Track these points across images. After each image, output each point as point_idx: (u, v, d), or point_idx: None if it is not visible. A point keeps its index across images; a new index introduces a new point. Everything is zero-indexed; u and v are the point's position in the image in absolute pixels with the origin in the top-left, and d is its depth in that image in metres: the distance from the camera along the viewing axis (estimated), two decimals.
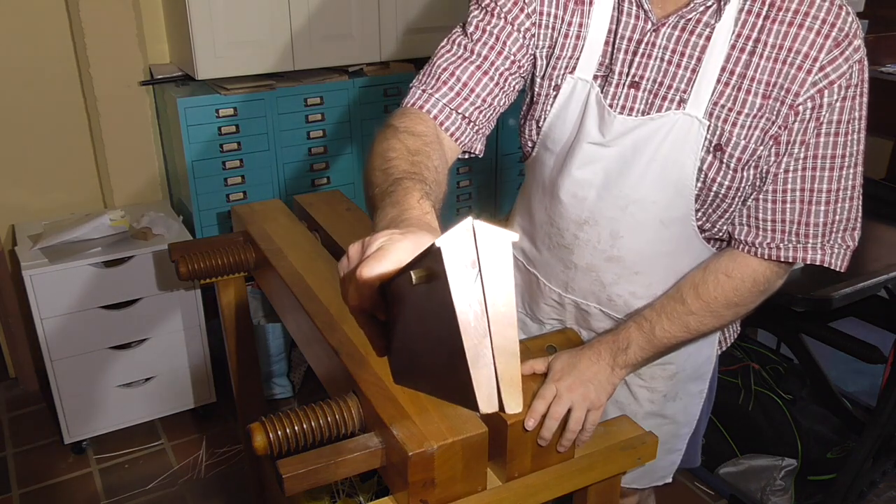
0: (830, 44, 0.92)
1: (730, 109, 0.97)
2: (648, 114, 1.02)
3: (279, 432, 0.99)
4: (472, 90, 1.06)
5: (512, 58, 1.08)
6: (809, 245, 1.00)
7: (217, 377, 2.44)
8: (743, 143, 0.97)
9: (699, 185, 1.02)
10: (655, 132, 1.01)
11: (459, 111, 1.06)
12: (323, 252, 1.48)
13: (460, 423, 0.96)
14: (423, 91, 1.08)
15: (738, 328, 1.32)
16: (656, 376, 1.21)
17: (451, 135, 1.07)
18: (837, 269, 1.03)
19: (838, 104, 0.95)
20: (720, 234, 1.08)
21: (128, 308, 2.24)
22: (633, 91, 1.03)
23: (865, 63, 0.96)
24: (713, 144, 0.98)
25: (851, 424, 2.14)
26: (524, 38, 1.08)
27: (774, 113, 0.95)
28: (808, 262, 1.01)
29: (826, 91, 0.93)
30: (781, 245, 1.01)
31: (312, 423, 1.01)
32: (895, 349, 2.03)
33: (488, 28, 1.07)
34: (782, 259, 1.02)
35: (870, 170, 3.89)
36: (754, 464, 2.08)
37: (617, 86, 1.04)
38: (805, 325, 2.11)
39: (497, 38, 1.07)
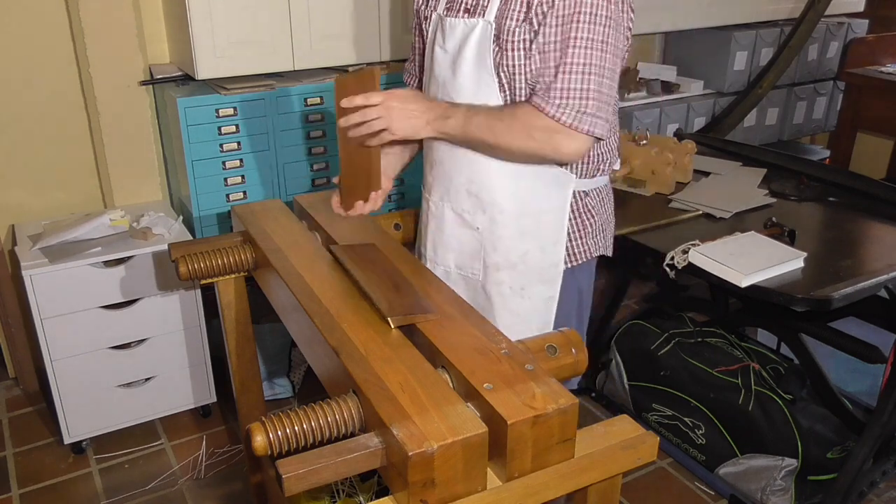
0: None
1: (505, 11, 1.33)
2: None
3: (279, 432, 0.99)
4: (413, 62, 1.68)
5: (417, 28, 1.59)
6: (550, 98, 1.30)
7: (217, 377, 2.44)
8: (509, 30, 1.33)
9: (497, 74, 1.36)
10: (468, 36, 1.38)
11: (412, 72, 1.70)
12: (323, 252, 1.48)
13: (460, 423, 0.96)
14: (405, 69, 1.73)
15: (588, 252, 1.51)
16: (501, 267, 1.48)
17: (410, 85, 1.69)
18: (567, 126, 1.29)
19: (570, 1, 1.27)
20: None
21: (128, 308, 2.24)
22: (466, 14, 1.40)
23: None
24: (496, 37, 1.35)
25: (851, 424, 2.14)
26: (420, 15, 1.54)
27: (526, 6, 1.31)
28: (544, 112, 1.30)
29: None
30: (546, 101, 1.30)
31: (312, 423, 1.01)
32: (895, 349, 2.03)
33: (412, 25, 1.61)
34: (546, 112, 1.30)
35: (870, 170, 3.89)
36: (754, 464, 2.08)
37: (457, 12, 1.41)
38: (805, 325, 2.11)
39: (414, 31, 1.60)
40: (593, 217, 1.50)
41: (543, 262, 1.47)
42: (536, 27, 1.31)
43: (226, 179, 2.36)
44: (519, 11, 1.32)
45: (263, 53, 2.30)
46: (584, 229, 1.49)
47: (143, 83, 2.43)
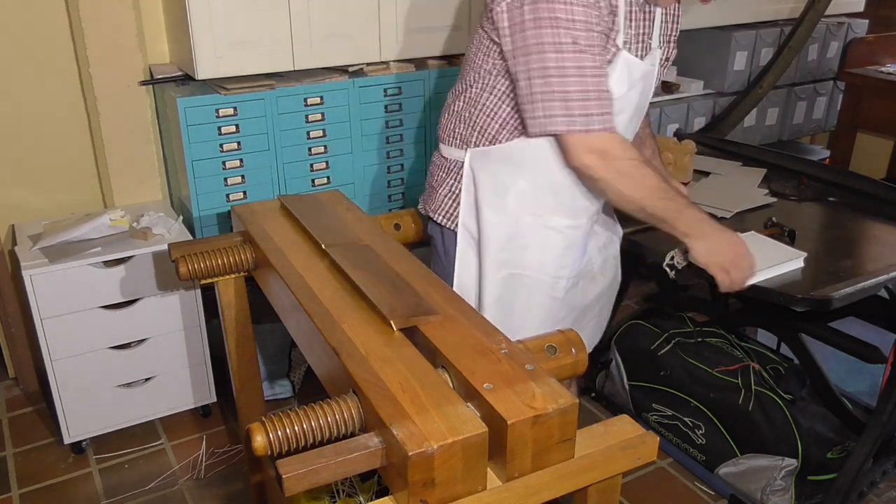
0: None
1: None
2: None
3: (279, 432, 0.99)
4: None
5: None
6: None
7: (217, 377, 2.44)
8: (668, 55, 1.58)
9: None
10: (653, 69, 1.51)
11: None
12: (323, 252, 1.48)
13: (460, 423, 0.96)
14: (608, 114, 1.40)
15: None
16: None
17: None
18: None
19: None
20: None
21: (128, 308, 2.24)
22: (642, 45, 1.48)
23: None
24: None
25: (851, 424, 2.14)
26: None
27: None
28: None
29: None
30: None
31: (312, 423, 1.01)
32: (895, 349, 2.03)
33: (595, 43, 1.36)
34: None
35: (870, 170, 3.88)
36: (754, 464, 2.08)
37: (636, 44, 1.47)
38: (805, 325, 2.10)
39: (600, 47, 1.38)
40: None
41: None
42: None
43: (226, 179, 2.36)
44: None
45: (263, 53, 2.30)
46: None
47: (143, 83, 2.43)
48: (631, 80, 1.47)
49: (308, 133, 2.45)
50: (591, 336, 1.79)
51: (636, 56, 1.47)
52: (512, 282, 1.58)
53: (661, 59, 1.54)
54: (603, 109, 1.36)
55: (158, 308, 2.29)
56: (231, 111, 2.30)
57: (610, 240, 1.77)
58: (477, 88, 1.51)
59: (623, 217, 2.01)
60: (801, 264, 1.73)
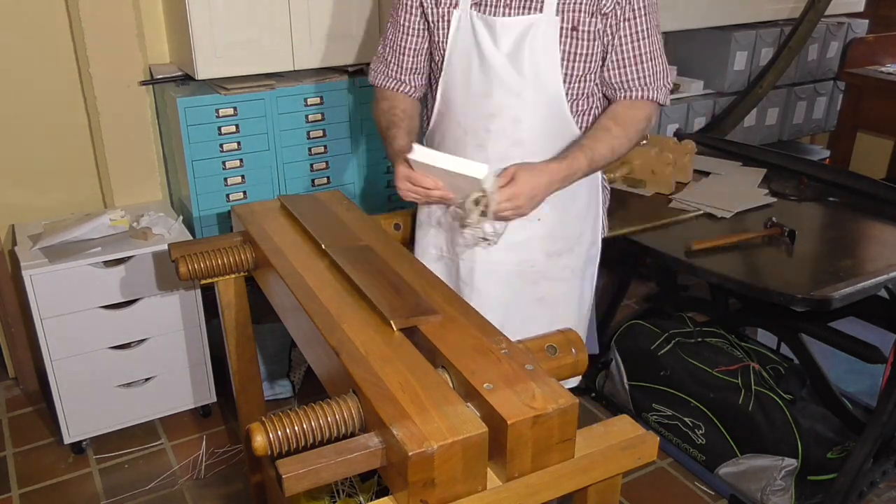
0: None
1: (571, 4, 1.44)
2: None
3: (279, 432, 0.99)
4: (400, 66, 1.63)
5: (414, 26, 1.57)
6: (650, 88, 1.52)
7: (217, 377, 2.44)
8: (581, 21, 1.45)
9: (565, 63, 1.47)
10: (527, 31, 1.44)
11: (399, 78, 1.65)
12: (323, 252, 1.48)
13: (460, 423, 0.96)
14: (375, 73, 1.68)
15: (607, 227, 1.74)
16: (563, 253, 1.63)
17: (405, 93, 1.65)
18: (663, 104, 1.54)
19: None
20: (581, 108, 1.55)
21: (128, 308, 2.24)
22: (506, 9, 1.45)
23: None
24: (568, 29, 1.45)
25: (851, 424, 2.14)
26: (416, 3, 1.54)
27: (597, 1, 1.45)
28: (653, 100, 1.52)
29: None
30: (642, 90, 1.52)
31: (312, 423, 1.01)
32: (895, 349, 2.03)
33: (401, 14, 1.58)
34: (646, 98, 1.53)
35: (870, 170, 3.88)
36: (754, 464, 2.08)
37: (493, 6, 1.46)
38: (805, 325, 2.11)
39: (402, 26, 1.58)
40: (606, 187, 1.71)
41: (589, 244, 1.66)
42: (613, 21, 1.47)
43: (226, 179, 2.36)
44: (587, 4, 1.44)
45: (263, 53, 2.30)
46: (605, 203, 1.70)
47: (143, 83, 2.43)
48: (492, 34, 1.46)
49: (308, 133, 2.45)
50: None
51: (496, 17, 1.46)
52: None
53: (565, 28, 1.45)
54: (375, 66, 1.67)
55: (158, 308, 2.28)
56: (231, 111, 2.30)
57: (567, 248, 1.63)
58: None
59: (623, 217, 2.01)
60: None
